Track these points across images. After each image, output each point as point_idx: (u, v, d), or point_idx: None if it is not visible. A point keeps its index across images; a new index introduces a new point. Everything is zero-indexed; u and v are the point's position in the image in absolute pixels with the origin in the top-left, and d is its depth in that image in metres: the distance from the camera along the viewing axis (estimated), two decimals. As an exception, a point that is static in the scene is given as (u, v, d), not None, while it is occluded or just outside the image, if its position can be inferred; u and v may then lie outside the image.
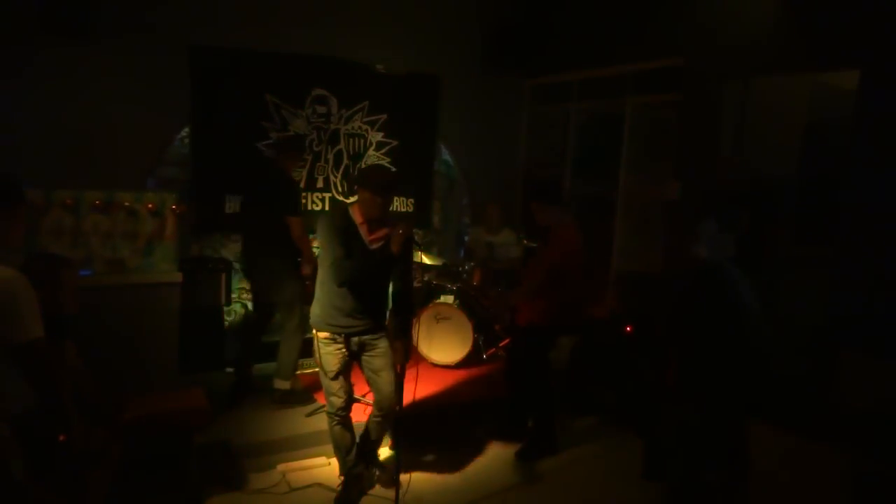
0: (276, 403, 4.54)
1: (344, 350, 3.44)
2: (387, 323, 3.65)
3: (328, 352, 3.42)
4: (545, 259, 4.11)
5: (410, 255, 3.55)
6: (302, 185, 5.66)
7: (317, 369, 3.54)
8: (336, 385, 3.47)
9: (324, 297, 3.43)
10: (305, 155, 5.60)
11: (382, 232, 3.40)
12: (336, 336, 3.41)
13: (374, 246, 3.40)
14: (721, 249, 2.68)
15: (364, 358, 3.51)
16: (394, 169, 5.91)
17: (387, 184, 3.35)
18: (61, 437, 2.36)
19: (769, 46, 4.44)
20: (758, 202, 4.74)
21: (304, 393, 4.67)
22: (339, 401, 3.50)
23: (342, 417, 3.55)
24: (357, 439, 3.66)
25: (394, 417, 3.60)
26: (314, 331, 3.46)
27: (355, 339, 3.44)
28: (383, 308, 3.57)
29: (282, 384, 4.57)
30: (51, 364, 2.30)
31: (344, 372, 3.48)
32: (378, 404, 3.55)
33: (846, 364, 3.40)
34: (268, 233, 4.47)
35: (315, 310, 3.47)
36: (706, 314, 2.57)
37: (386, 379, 3.50)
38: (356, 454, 3.63)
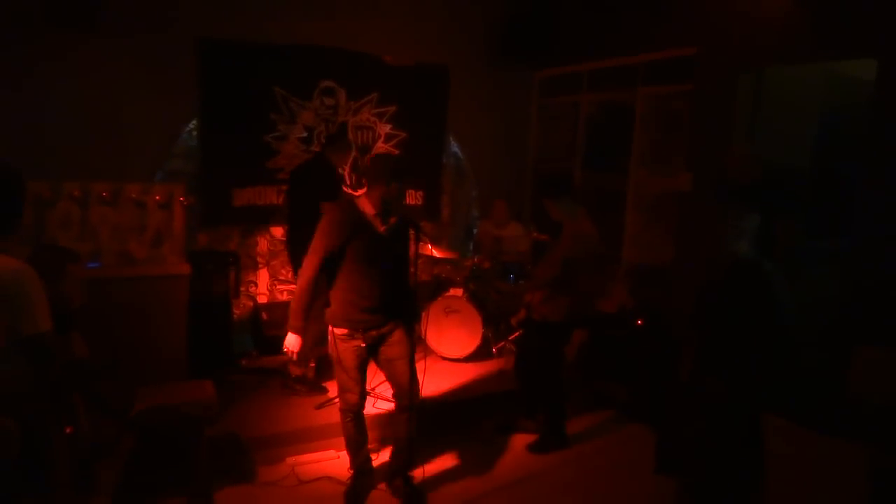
0: (286, 389, 4.55)
1: (362, 345, 3.40)
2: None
3: (346, 348, 3.39)
4: (559, 251, 4.06)
5: (414, 245, 3.50)
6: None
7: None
8: (352, 381, 3.44)
9: (341, 292, 3.39)
10: (312, 147, 5.57)
11: (392, 220, 3.37)
12: (354, 332, 3.38)
13: (383, 228, 3.35)
14: (757, 244, 2.63)
15: (380, 349, 3.48)
16: (396, 153, 5.90)
17: (391, 170, 3.35)
18: (68, 430, 2.34)
19: (783, 35, 4.36)
20: (771, 194, 4.68)
21: (315, 382, 4.64)
22: (354, 397, 3.47)
23: (356, 414, 3.52)
24: (368, 439, 3.62)
25: (415, 415, 3.50)
26: (331, 326, 3.43)
27: (373, 332, 3.41)
28: (400, 300, 3.50)
29: (295, 369, 4.54)
30: (59, 356, 2.28)
31: (360, 368, 3.45)
32: (398, 399, 3.51)
33: (863, 358, 3.35)
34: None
35: (332, 306, 3.43)
36: (745, 311, 2.52)
37: (402, 369, 3.45)
38: (389, 473, 3.60)
